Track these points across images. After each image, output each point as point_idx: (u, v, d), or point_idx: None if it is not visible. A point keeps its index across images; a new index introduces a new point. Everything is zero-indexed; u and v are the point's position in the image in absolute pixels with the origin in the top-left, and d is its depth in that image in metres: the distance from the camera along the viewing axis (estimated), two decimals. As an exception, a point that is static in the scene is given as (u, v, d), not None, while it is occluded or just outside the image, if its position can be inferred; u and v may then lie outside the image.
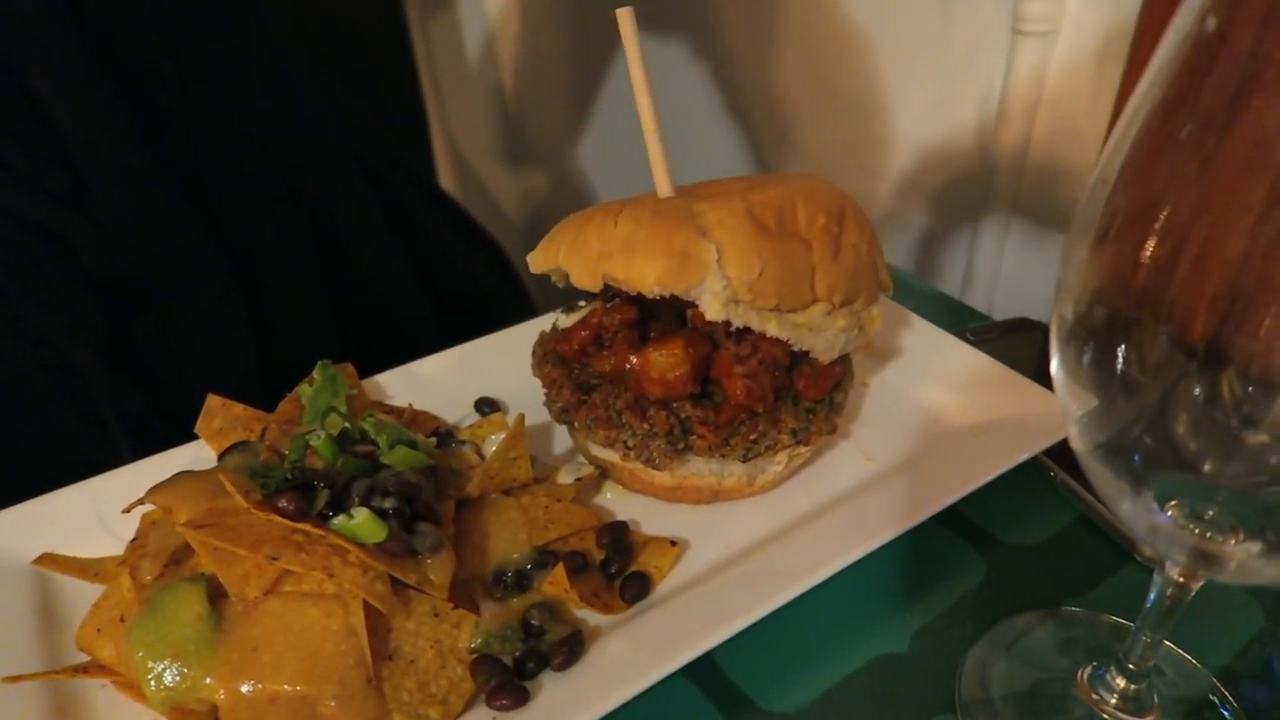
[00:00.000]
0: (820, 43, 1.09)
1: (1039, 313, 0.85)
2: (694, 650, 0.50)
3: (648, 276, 0.53)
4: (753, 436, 0.59)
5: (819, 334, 0.58)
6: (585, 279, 0.57)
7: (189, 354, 0.82)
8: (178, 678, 0.46)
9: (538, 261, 0.61)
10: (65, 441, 0.77)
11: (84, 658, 0.51)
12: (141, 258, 0.77)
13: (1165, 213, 0.35)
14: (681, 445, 0.58)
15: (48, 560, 0.56)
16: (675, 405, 0.59)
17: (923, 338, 0.76)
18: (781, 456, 0.61)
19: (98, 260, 0.74)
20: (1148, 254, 0.36)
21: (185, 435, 0.65)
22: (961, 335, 0.77)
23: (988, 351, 0.72)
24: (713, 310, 0.54)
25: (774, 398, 0.60)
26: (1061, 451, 0.64)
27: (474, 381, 0.73)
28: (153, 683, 0.46)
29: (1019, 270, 1.08)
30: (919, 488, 0.60)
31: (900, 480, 0.62)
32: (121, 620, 0.49)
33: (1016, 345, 0.79)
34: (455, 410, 0.71)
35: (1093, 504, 0.62)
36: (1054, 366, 0.41)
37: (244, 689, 0.46)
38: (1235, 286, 0.34)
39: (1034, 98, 1.00)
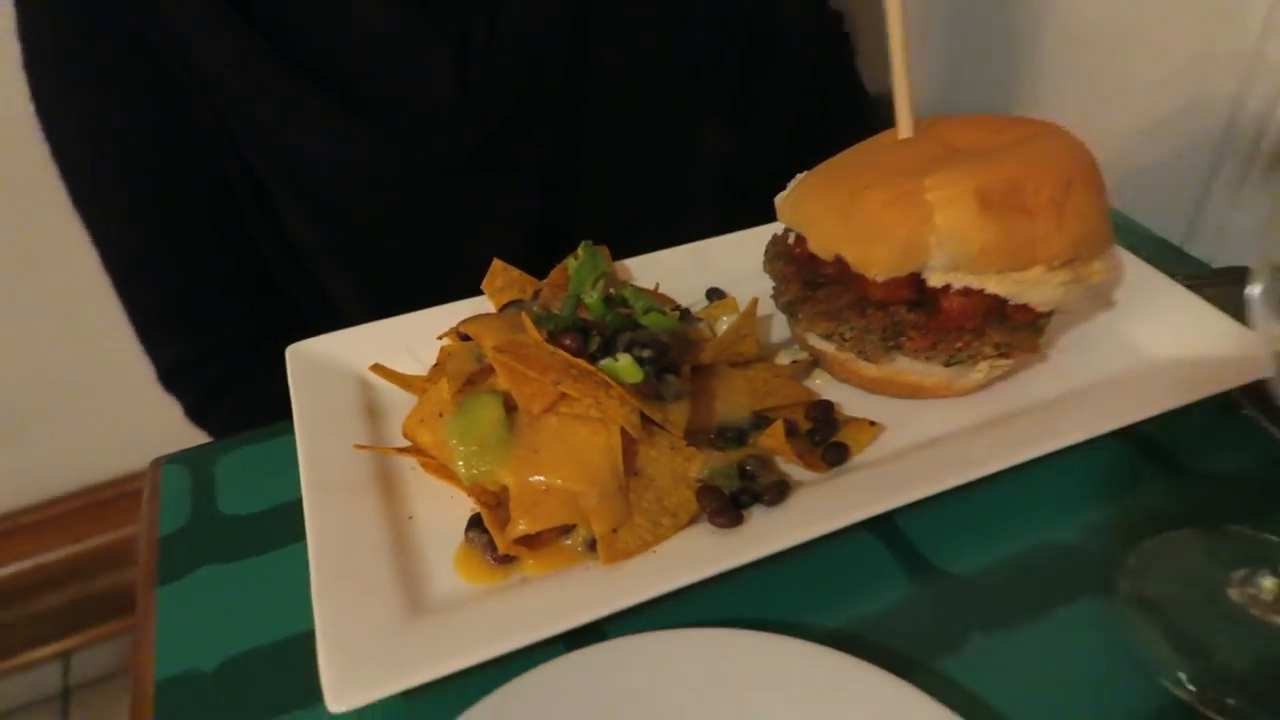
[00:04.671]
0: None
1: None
2: (885, 504, 0.59)
3: (874, 266, 0.64)
4: (959, 344, 0.66)
5: (1037, 288, 0.65)
6: (821, 252, 0.68)
7: None
8: (480, 463, 0.61)
9: (785, 216, 0.73)
10: None
11: (399, 444, 0.67)
12: None
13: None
14: (893, 344, 0.66)
15: (378, 369, 0.72)
16: (892, 309, 0.66)
17: (1130, 272, 0.79)
18: (983, 365, 0.68)
19: None
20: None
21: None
22: (1174, 278, 0.79)
23: (1201, 296, 0.75)
24: (934, 279, 0.64)
25: (984, 317, 0.66)
26: (1255, 389, 0.67)
27: (706, 274, 0.83)
28: (462, 465, 0.61)
29: (1251, 224, 1.06)
30: (1109, 403, 0.66)
31: (1091, 395, 0.67)
32: (440, 415, 0.64)
33: (1232, 293, 0.80)
34: (689, 296, 0.82)
35: (1281, 443, 0.65)
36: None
37: (529, 478, 0.60)
38: None
39: (1296, 47, 0.97)
